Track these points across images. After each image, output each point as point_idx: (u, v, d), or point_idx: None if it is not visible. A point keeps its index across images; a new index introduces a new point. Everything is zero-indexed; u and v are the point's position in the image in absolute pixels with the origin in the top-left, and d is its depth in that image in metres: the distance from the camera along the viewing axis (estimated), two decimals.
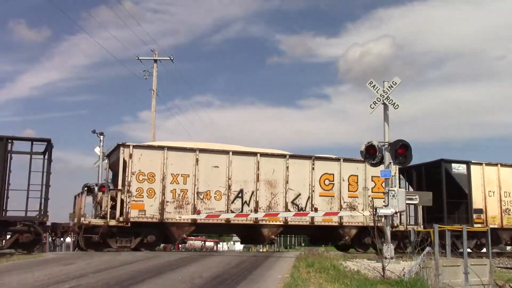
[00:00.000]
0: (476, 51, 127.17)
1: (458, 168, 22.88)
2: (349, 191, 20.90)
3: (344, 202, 20.66)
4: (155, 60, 34.00)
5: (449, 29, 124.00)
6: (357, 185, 21.00)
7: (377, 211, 13.52)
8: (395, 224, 19.97)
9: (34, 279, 9.61)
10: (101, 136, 26.81)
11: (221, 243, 66.58)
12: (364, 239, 20.80)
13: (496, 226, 22.49)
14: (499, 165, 23.45)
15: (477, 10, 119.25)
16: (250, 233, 20.98)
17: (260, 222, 19.42)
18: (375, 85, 14.31)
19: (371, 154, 14.10)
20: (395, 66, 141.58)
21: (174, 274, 10.73)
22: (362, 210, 19.84)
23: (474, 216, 22.34)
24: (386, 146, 14.02)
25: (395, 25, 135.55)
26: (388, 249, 13.27)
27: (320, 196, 20.44)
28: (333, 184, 20.74)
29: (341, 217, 20.21)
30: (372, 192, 20.82)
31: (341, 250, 21.67)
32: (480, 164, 23.31)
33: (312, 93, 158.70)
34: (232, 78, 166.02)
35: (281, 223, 19.65)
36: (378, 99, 14.16)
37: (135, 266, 12.09)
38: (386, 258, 12.42)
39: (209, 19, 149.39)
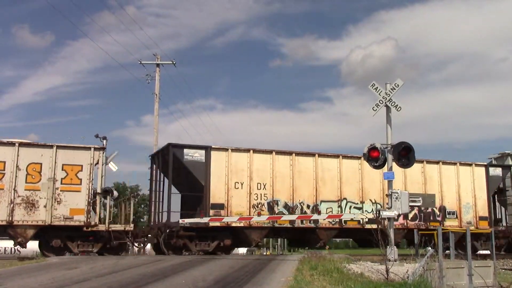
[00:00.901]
0: (478, 53, 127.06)
1: (193, 155, 19.28)
2: (27, 182, 17.42)
3: (19, 196, 17.24)
4: (158, 64, 34.05)
5: (451, 31, 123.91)
6: (40, 175, 17.57)
7: (381, 213, 13.52)
8: (92, 223, 17.85)
9: (37, 284, 9.61)
10: (104, 141, 26.88)
11: None
12: (52, 241, 17.76)
13: (242, 225, 19.19)
14: (251, 151, 20.09)
15: (479, 12, 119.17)
16: None
17: None
18: (377, 87, 14.29)
19: (374, 157, 14.08)
20: (398, 69, 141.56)
21: (177, 277, 10.71)
22: (45, 206, 17.41)
23: (212, 212, 18.95)
24: (389, 148, 14.01)
25: (397, 28, 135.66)
26: (392, 251, 13.23)
27: None
28: (4, 174, 17.28)
29: (11, 215, 17.11)
30: (62, 184, 17.79)
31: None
32: (225, 150, 19.83)
33: (314, 96, 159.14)
34: (235, 82, 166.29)
35: None
36: (380, 101, 14.15)
37: (139, 270, 12.08)
38: (389, 260, 12.37)
39: (211, 23, 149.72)
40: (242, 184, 19.65)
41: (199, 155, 19.32)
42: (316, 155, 20.97)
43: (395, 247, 13.56)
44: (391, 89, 14.15)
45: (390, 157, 13.98)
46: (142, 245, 20.66)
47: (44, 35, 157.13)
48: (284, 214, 19.97)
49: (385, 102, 14.11)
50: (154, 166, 21.42)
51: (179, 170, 19.59)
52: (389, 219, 13.77)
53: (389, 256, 12.86)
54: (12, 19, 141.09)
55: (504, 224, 25.59)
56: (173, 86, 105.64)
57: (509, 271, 18.46)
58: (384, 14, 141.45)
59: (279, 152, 20.56)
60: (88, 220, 17.89)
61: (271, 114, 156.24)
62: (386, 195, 13.97)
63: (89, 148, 18.43)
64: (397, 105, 14.10)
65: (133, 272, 11.65)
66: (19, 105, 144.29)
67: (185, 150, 19.26)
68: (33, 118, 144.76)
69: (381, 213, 13.63)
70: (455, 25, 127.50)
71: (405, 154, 13.87)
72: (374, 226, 20.64)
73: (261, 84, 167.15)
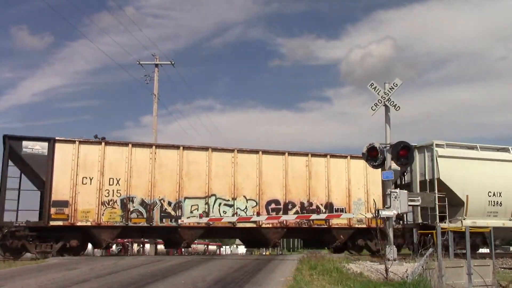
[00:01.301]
0: (477, 51, 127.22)
1: (34, 147, 17.79)
2: None
3: None
4: (156, 65, 34.00)
5: (450, 30, 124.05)
6: None
7: (380, 213, 13.51)
8: None
9: (37, 285, 9.61)
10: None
11: (224, 246, 66.61)
12: None
13: (89, 224, 17.96)
14: (103, 143, 18.63)
15: (478, 11, 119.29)
16: None
17: None
18: (376, 87, 14.29)
19: (373, 156, 14.10)
20: (397, 68, 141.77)
21: (177, 278, 10.72)
22: None
23: (53, 210, 17.54)
24: (388, 147, 14.02)
25: (395, 27, 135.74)
26: (391, 251, 13.24)
27: None
28: None
29: None
30: None
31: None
32: (73, 142, 18.31)
33: (313, 95, 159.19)
34: (233, 82, 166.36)
35: None
36: (379, 101, 14.15)
37: (138, 271, 12.09)
38: (389, 260, 12.39)
39: (210, 23, 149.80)
40: (91, 179, 18.15)
41: (40, 147, 17.81)
42: (181, 148, 19.56)
43: (394, 246, 13.56)
44: (390, 88, 14.15)
45: (389, 156, 13.98)
46: None
47: (43, 36, 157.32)
48: (140, 212, 18.65)
49: (384, 102, 14.11)
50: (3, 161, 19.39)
51: (22, 165, 18.16)
52: (388, 218, 13.76)
53: (388, 255, 12.88)
54: (11, 20, 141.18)
55: (407, 222, 22.70)
56: (172, 87, 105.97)
57: (508, 270, 18.50)
58: (383, 14, 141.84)
59: (137, 145, 19.29)
60: None
61: (270, 114, 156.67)
62: (386, 194, 13.97)
63: None
64: (396, 104, 14.09)
65: (133, 273, 11.66)
66: (18, 106, 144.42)
67: (24, 142, 17.71)
68: (32, 119, 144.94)
69: (380, 212, 13.60)
70: (453, 24, 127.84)
71: (404, 154, 13.88)
72: (248, 225, 19.64)
73: (260, 84, 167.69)
